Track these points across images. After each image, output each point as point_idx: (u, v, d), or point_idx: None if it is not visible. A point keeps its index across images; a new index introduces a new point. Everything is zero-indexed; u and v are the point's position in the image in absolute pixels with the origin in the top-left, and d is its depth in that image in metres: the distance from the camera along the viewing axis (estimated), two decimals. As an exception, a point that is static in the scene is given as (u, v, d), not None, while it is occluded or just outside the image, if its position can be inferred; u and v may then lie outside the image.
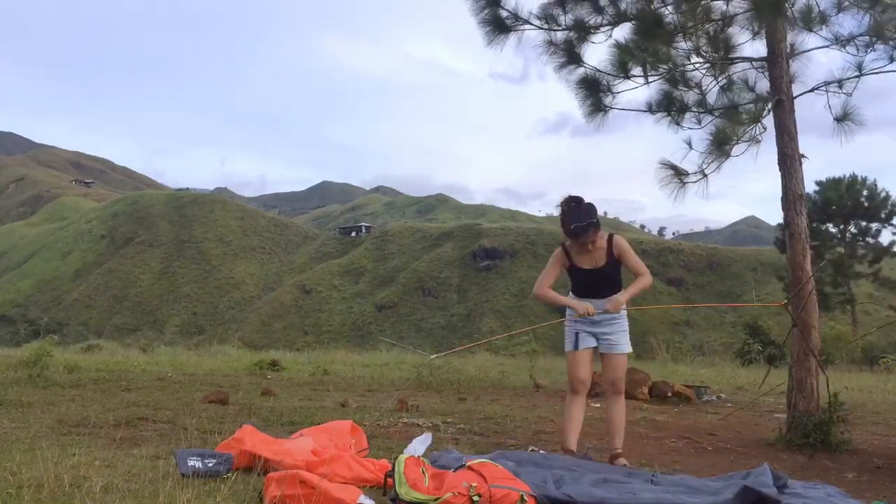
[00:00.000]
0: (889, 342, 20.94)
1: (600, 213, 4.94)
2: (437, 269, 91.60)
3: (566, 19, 6.04)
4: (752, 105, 5.80)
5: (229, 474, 3.61)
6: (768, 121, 5.61)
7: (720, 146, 5.53)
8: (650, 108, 6.11)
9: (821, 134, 5.88)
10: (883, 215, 33.50)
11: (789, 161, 5.47)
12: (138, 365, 9.88)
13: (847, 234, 34.05)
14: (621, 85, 6.14)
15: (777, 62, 5.52)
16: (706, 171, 5.71)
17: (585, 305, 4.54)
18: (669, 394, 7.94)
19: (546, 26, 6.13)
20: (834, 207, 33.05)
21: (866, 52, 5.55)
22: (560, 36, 6.16)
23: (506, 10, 6.11)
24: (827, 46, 5.65)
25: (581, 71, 6.20)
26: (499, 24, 6.12)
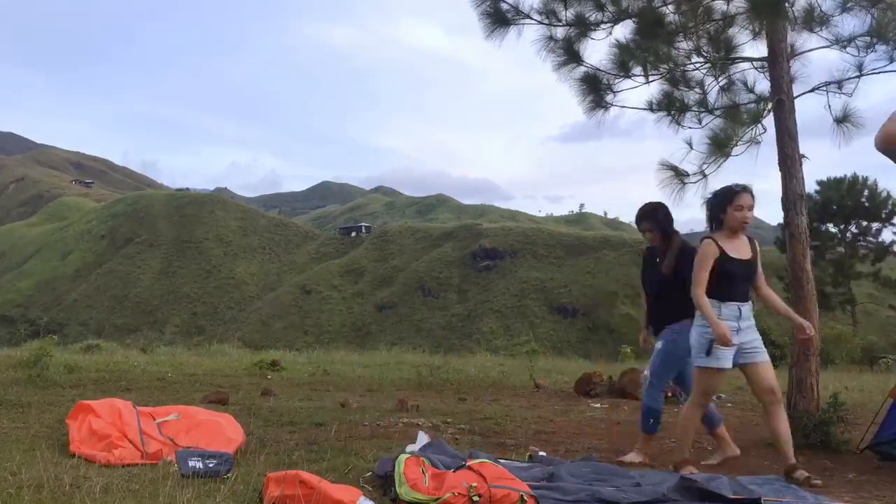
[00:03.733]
0: (889, 342, 20.93)
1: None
2: (437, 269, 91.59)
3: (567, 15, 6.03)
4: (752, 105, 5.80)
5: (229, 474, 3.62)
6: (769, 121, 5.61)
7: (720, 146, 5.53)
8: (651, 107, 6.10)
9: (822, 134, 5.88)
10: (883, 215, 33.49)
11: (790, 161, 5.47)
12: (138, 365, 9.87)
13: (848, 234, 34.05)
14: (622, 84, 6.14)
15: (777, 62, 5.51)
16: (706, 172, 5.71)
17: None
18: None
19: (547, 21, 6.11)
20: (835, 207, 33.04)
21: (867, 52, 5.55)
22: (560, 32, 6.15)
23: (507, 3, 6.10)
24: (827, 47, 5.65)
25: (581, 69, 6.20)
26: (499, 17, 6.10)
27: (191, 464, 3.61)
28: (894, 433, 4.90)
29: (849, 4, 5.33)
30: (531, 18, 6.15)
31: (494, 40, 6.15)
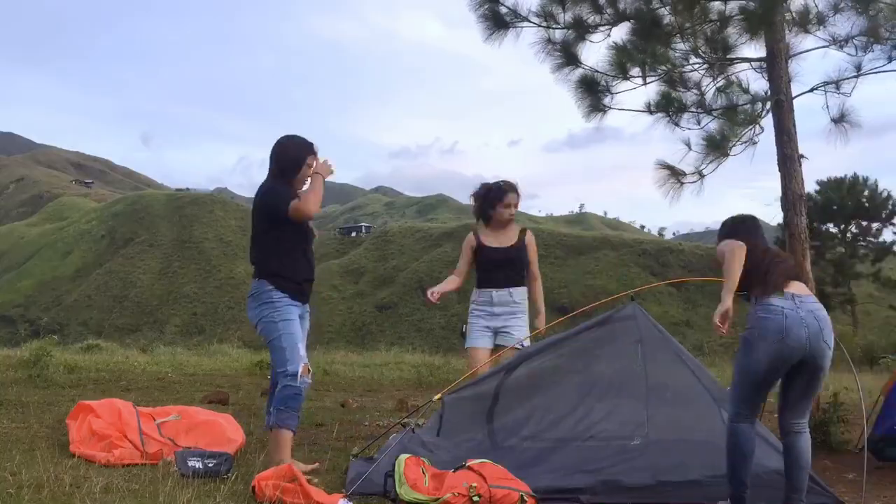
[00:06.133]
0: (889, 342, 20.92)
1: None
2: (437, 269, 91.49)
3: (565, 17, 6.03)
4: (750, 105, 5.79)
5: (229, 474, 3.62)
6: (767, 121, 5.62)
7: (718, 147, 5.53)
8: (649, 109, 6.10)
9: (822, 134, 5.87)
10: (883, 215, 33.54)
11: (789, 161, 5.47)
12: (138, 365, 9.87)
13: (848, 234, 34.07)
14: (620, 85, 6.14)
15: (776, 62, 5.51)
16: (703, 172, 5.72)
17: None
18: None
19: (545, 24, 6.12)
20: (835, 207, 33.06)
21: (864, 52, 5.55)
22: (558, 34, 6.16)
23: (505, 6, 6.11)
24: (825, 46, 5.65)
25: (579, 71, 6.20)
26: (497, 21, 6.12)
27: (190, 464, 3.63)
28: (884, 430, 4.90)
29: (841, 5, 5.34)
30: (529, 21, 6.16)
31: (493, 43, 6.17)
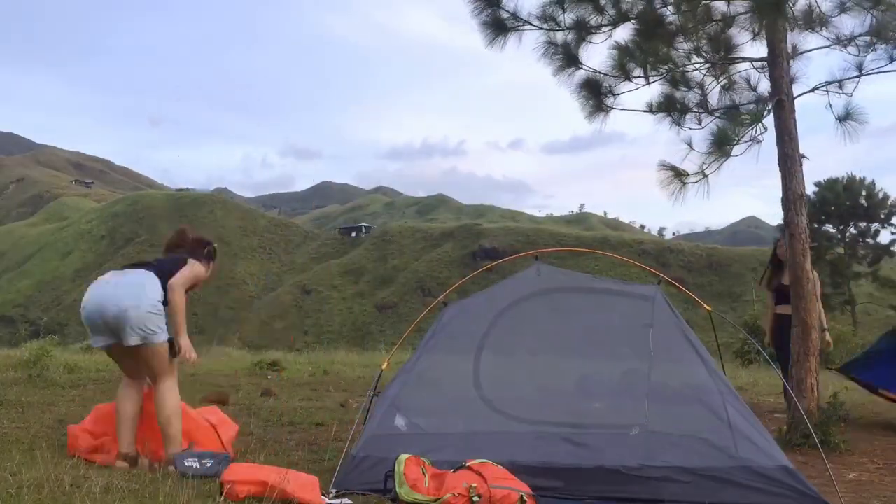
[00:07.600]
0: (889, 342, 20.86)
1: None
2: (437, 269, 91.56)
3: (566, 19, 6.02)
4: (752, 105, 5.79)
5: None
6: (769, 121, 5.61)
7: (720, 146, 5.53)
8: (651, 109, 6.10)
9: (823, 134, 5.87)
10: (882, 215, 33.53)
11: (790, 161, 5.47)
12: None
13: (846, 235, 34.06)
14: (622, 86, 6.13)
15: (778, 62, 5.51)
16: (706, 172, 5.71)
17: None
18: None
19: (546, 26, 6.11)
20: (832, 208, 33.07)
21: (867, 52, 5.55)
22: (560, 37, 6.14)
23: (506, 10, 6.09)
24: (828, 46, 5.65)
25: (581, 73, 6.20)
26: (499, 25, 6.11)
27: (187, 464, 3.63)
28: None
29: (847, 5, 5.33)
30: (531, 24, 6.14)
31: (495, 48, 6.16)
